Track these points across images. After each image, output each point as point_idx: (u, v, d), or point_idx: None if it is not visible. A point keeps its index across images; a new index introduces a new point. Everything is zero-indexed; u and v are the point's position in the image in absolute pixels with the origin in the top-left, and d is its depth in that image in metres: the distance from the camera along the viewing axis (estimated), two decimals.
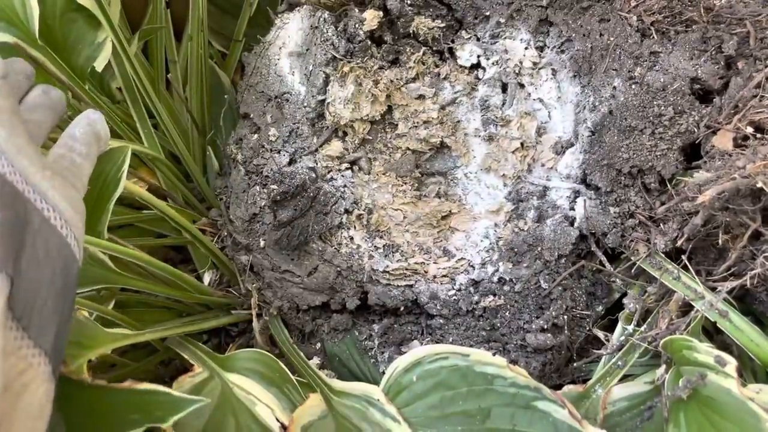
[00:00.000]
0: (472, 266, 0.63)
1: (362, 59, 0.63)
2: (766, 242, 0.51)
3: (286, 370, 0.53)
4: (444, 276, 0.64)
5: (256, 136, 0.66)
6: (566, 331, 0.59)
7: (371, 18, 0.60)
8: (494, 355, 0.51)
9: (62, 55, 0.62)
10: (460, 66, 0.64)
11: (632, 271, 0.58)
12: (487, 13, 0.61)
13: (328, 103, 0.63)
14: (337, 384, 0.55)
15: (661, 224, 0.57)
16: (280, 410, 0.48)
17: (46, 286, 0.33)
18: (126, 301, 0.67)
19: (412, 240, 0.65)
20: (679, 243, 0.54)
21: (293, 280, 0.65)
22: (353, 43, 0.62)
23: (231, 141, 0.69)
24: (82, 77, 0.63)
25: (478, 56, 0.63)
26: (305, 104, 0.63)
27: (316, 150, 0.65)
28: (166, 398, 0.40)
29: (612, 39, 0.58)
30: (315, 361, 0.66)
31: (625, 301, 0.58)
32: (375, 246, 0.65)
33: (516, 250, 0.61)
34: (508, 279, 0.61)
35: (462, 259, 0.64)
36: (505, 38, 0.62)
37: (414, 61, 0.63)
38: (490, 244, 0.63)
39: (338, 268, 0.64)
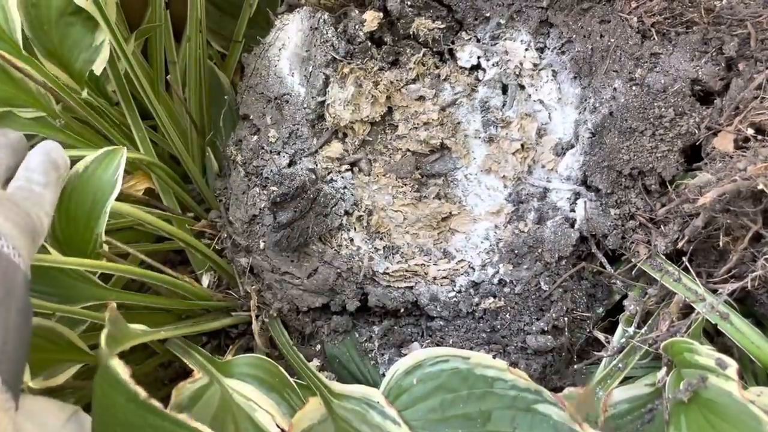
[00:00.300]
0: (472, 268, 0.63)
1: (362, 60, 0.63)
2: (766, 244, 0.50)
3: (286, 374, 0.53)
4: (444, 278, 0.63)
5: (255, 137, 0.66)
6: (567, 333, 0.59)
7: (371, 19, 0.60)
8: (494, 357, 0.51)
9: (59, 60, 0.62)
10: (461, 67, 0.64)
11: (633, 272, 0.58)
12: (488, 15, 0.61)
13: (328, 104, 0.63)
14: (337, 387, 0.55)
15: (661, 226, 0.56)
16: (279, 416, 0.48)
17: None
18: (126, 304, 0.66)
19: (412, 241, 0.65)
20: (679, 245, 0.54)
21: (293, 281, 0.64)
22: (353, 44, 0.62)
23: (230, 142, 0.69)
24: (80, 81, 0.63)
25: (479, 57, 0.63)
26: (305, 105, 0.63)
27: (316, 151, 0.64)
28: None
29: (612, 40, 0.57)
30: (315, 363, 0.65)
31: (625, 303, 0.58)
32: (375, 247, 0.65)
33: (516, 251, 0.61)
34: (508, 281, 0.61)
35: (462, 260, 0.63)
36: (506, 39, 0.61)
37: (414, 63, 0.63)
38: (491, 245, 0.63)
39: (338, 270, 0.63)
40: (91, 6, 0.59)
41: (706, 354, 0.46)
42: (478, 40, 0.63)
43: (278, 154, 0.64)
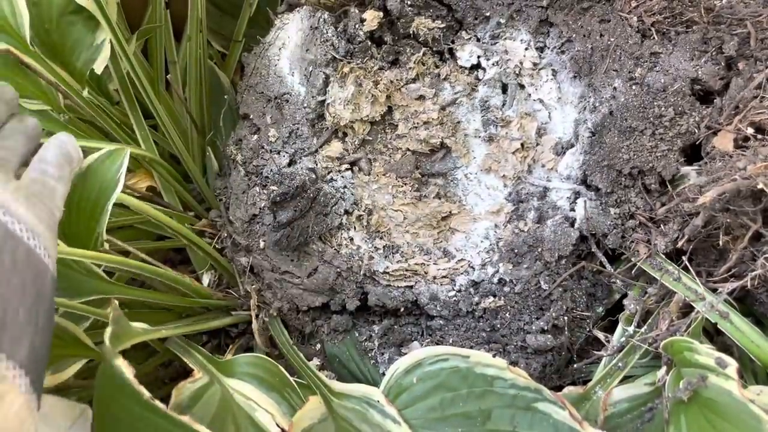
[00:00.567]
0: (472, 267, 0.63)
1: (362, 60, 0.63)
2: (766, 243, 0.50)
3: (286, 373, 0.53)
4: (444, 277, 0.63)
5: (255, 136, 0.66)
6: (566, 332, 0.59)
7: (371, 18, 0.60)
8: (494, 356, 0.51)
9: (60, 59, 0.62)
10: (461, 66, 0.64)
11: (632, 272, 0.58)
12: (488, 14, 0.61)
13: (328, 103, 0.63)
14: (337, 386, 0.55)
15: (661, 225, 0.56)
16: (280, 415, 0.48)
17: (18, 297, 0.32)
18: (127, 302, 0.66)
19: (412, 241, 0.65)
20: (679, 244, 0.54)
21: (293, 281, 0.64)
22: (353, 43, 0.62)
23: (230, 142, 0.69)
24: (81, 80, 0.63)
25: (479, 57, 0.63)
26: (305, 105, 0.63)
27: (316, 151, 0.64)
28: None
29: (612, 40, 0.57)
30: (315, 362, 0.65)
31: (625, 302, 0.58)
32: (375, 247, 0.65)
33: (516, 251, 0.61)
34: (508, 280, 0.61)
35: (462, 260, 0.64)
36: (506, 39, 0.62)
37: (414, 62, 0.63)
38: (490, 245, 0.63)
39: (338, 269, 0.63)
40: (92, 5, 0.59)
41: (706, 353, 0.46)
42: (478, 40, 0.63)
43: (278, 153, 0.64)
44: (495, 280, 0.62)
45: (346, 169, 0.65)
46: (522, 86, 0.63)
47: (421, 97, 0.64)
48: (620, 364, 0.55)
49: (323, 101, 0.64)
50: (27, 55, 0.57)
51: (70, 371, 0.50)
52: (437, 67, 0.65)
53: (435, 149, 0.66)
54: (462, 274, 0.63)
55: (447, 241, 0.65)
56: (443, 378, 0.51)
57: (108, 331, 0.41)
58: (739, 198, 0.49)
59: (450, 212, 0.65)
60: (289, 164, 0.64)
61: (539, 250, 0.60)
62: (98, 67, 0.62)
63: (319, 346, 0.68)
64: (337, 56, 0.62)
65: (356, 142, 0.65)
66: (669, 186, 0.57)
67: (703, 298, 0.52)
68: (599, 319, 0.62)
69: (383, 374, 0.60)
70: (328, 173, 0.65)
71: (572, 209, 0.60)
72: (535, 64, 0.61)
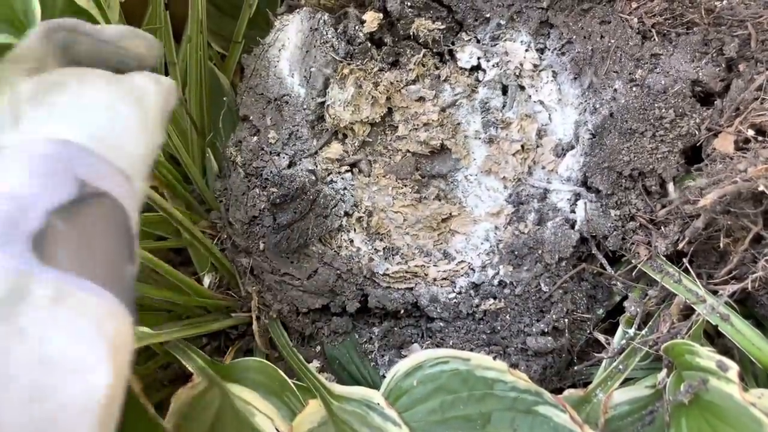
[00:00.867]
0: (472, 269, 0.63)
1: (362, 61, 0.62)
2: (767, 245, 0.50)
3: (286, 377, 0.53)
4: (444, 279, 0.63)
5: (255, 138, 0.66)
6: (567, 335, 0.59)
7: (371, 20, 0.60)
8: (495, 358, 0.51)
9: None
10: (461, 68, 0.64)
11: (633, 274, 0.57)
12: (488, 15, 0.61)
13: (328, 105, 0.63)
14: (337, 388, 0.55)
15: (662, 227, 0.56)
16: (279, 419, 0.48)
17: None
18: None
19: (412, 243, 0.65)
20: (680, 246, 0.54)
21: (293, 282, 0.64)
22: (353, 45, 0.62)
23: (230, 143, 0.69)
24: None
25: (479, 58, 0.63)
26: (305, 106, 0.63)
27: (316, 152, 0.64)
28: None
29: (613, 41, 0.57)
30: (315, 365, 0.65)
31: (625, 304, 0.58)
32: (375, 249, 0.65)
33: (516, 253, 0.61)
34: (508, 282, 0.61)
35: (462, 261, 0.63)
36: (506, 40, 0.61)
37: (414, 63, 0.63)
38: (491, 246, 0.63)
39: (338, 271, 0.63)
40: (93, 7, 0.59)
41: (707, 356, 0.46)
42: (478, 41, 0.63)
43: (278, 155, 0.64)
44: (495, 282, 0.62)
45: (346, 171, 0.65)
46: (522, 88, 0.63)
47: (421, 99, 0.64)
48: (621, 367, 0.54)
49: (323, 103, 0.63)
50: None
51: None
52: (437, 68, 0.65)
53: (435, 151, 0.66)
54: (462, 276, 0.63)
55: (447, 242, 0.65)
56: (443, 381, 0.51)
57: None
58: (740, 200, 0.49)
59: (450, 214, 0.65)
60: (289, 166, 0.64)
61: (539, 252, 0.60)
62: None
63: (319, 348, 0.68)
64: (336, 58, 0.62)
65: (356, 144, 0.65)
66: (669, 187, 0.57)
67: (704, 300, 0.52)
68: (600, 321, 0.62)
69: (383, 376, 0.60)
70: (328, 175, 0.65)
71: (572, 211, 0.60)
72: (535, 66, 0.61)
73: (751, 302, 0.55)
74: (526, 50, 0.61)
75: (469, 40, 0.63)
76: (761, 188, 0.46)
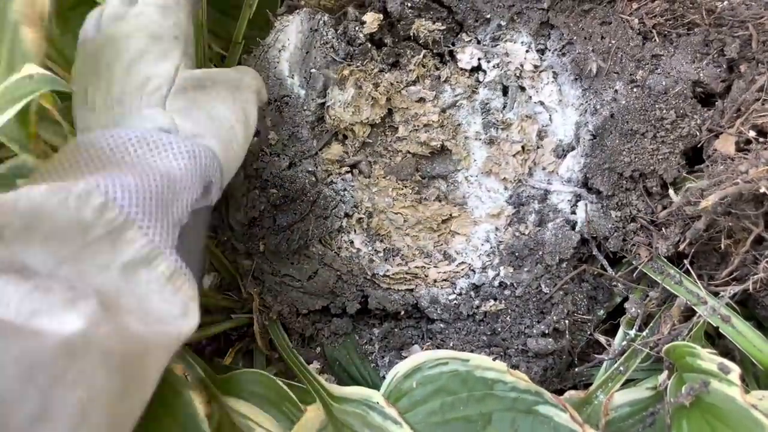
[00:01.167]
0: (472, 270, 0.63)
1: (362, 62, 0.62)
2: None
3: (285, 387, 0.53)
4: (444, 280, 0.63)
5: (255, 139, 0.65)
6: (567, 336, 0.59)
7: (371, 21, 0.60)
8: (495, 360, 0.51)
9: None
10: (461, 69, 0.64)
11: (634, 275, 0.57)
12: (488, 16, 0.61)
13: (328, 106, 0.63)
14: (337, 390, 0.54)
15: (662, 228, 0.56)
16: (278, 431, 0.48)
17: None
18: None
19: (413, 244, 0.65)
20: (681, 247, 0.54)
21: (293, 284, 0.64)
22: (353, 45, 0.62)
23: None
24: None
25: (479, 59, 0.63)
26: (305, 107, 0.63)
27: (316, 153, 0.64)
28: None
29: (613, 42, 0.57)
30: (315, 366, 0.65)
31: (626, 305, 0.58)
32: (375, 250, 0.64)
33: (517, 254, 0.61)
34: (509, 283, 0.61)
35: (462, 263, 0.63)
36: (506, 41, 0.61)
37: (414, 64, 0.63)
38: (491, 248, 0.63)
39: (338, 272, 0.63)
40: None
41: (709, 358, 0.46)
42: (479, 42, 0.63)
43: (278, 156, 0.64)
44: (496, 283, 0.62)
45: (346, 172, 0.65)
46: (523, 88, 0.62)
47: (422, 100, 0.64)
48: (621, 368, 0.54)
49: (323, 104, 0.63)
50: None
51: None
52: (437, 69, 0.64)
53: (435, 152, 0.65)
54: (462, 277, 0.63)
55: (447, 244, 0.65)
56: (443, 382, 0.51)
57: None
58: (741, 201, 0.49)
59: (450, 215, 0.65)
60: (289, 167, 0.64)
61: (540, 253, 0.60)
62: None
63: (319, 349, 0.67)
64: (337, 58, 0.62)
65: (356, 145, 0.65)
66: (670, 189, 0.57)
67: (705, 301, 0.51)
68: (600, 323, 0.62)
69: (383, 377, 0.60)
70: (328, 176, 0.65)
71: (573, 212, 0.60)
72: (535, 67, 0.61)
73: (752, 304, 0.55)
74: (527, 51, 0.61)
75: (470, 40, 0.63)
76: (762, 189, 0.46)
